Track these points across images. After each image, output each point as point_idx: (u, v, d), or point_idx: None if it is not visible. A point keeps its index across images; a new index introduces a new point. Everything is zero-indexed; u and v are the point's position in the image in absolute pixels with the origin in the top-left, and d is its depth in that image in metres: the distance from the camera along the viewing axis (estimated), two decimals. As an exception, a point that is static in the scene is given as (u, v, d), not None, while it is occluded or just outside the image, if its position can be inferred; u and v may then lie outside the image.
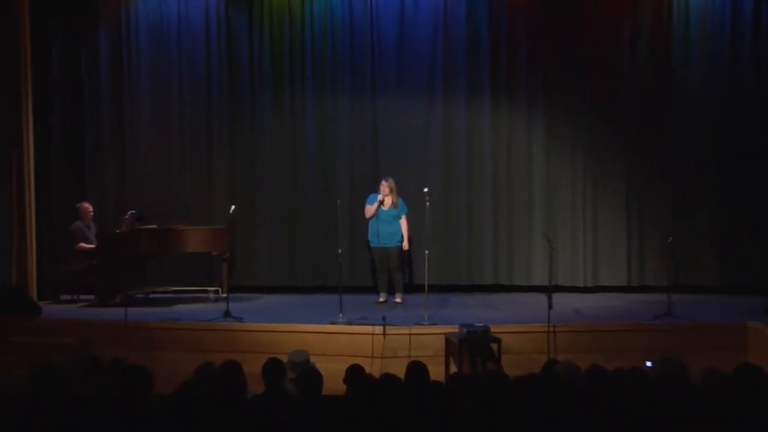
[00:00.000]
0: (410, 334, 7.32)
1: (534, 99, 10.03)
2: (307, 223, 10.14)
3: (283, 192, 10.18)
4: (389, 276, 9.13)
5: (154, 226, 9.19)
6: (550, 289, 7.42)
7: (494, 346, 6.97)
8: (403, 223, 9.01)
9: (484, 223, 10.09)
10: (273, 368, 4.51)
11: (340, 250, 8.36)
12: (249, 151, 10.21)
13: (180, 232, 9.14)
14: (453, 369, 7.02)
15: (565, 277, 9.94)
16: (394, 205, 8.98)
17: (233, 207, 8.57)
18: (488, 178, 10.09)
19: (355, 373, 4.72)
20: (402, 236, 8.98)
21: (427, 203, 8.08)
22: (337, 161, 10.16)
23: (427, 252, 8.10)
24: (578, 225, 10.02)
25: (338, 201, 8.53)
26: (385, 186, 8.97)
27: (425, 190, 8.16)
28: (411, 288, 9.63)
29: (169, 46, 10.13)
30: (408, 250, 9.04)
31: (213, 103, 10.20)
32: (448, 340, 7.20)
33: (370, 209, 9.00)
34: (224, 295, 8.91)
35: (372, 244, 9.11)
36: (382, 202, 8.94)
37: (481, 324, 7.06)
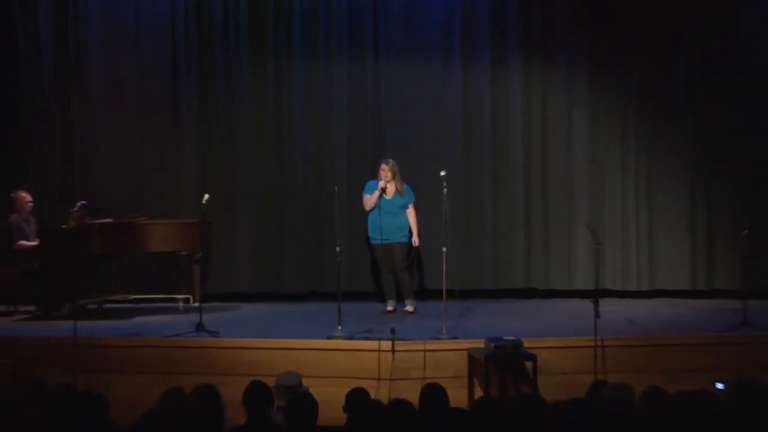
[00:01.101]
0: (425, 351, 7.30)
1: (575, 66, 10.09)
2: (296, 216, 10.16)
3: (266, 178, 10.21)
4: (396, 279, 9.17)
5: (110, 220, 9.20)
6: (596, 295, 7.42)
7: (528, 364, 6.99)
8: (411, 213, 9.05)
9: (513, 214, 10.11)
10: (257, 394, 4.51)
11: (338, 248, 8.27)
12: (224, 128, 10.22)
13: (141, 228, 9.16)
14: (478, 393, 7.01)
15: (615, 280, 10.00)
16: (398, 192, 9.01)
17: (206, 196, 8.55)
18: (518, 160, 10.12)
19: (357, 398, 4.71)
20: (410, 230, 9.03)
21: (444, 190, 8.03)
22: (332, 140, 10.16)
23: (444, 250, 8.01)
24: (630, 216, 10.07)
25: (335, 188, 8.49)
26: (385, 169, 8.94)
27: (442, 173, 8.09)
28: (425, 294, 9.67)
29: (125, -1, 10.40)
30: (418, 247, 9.06)
31: (179, 70, 10.20)
32: (471, 357, 7.20)
33: (369, 199, 9.00)
34: (196, 304, 8.95)
35: (373, 241, 9.14)
36: (383, 190, 8.96)
37: (512, 337, 7.08)
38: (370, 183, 9.10)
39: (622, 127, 10.06)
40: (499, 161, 10.14)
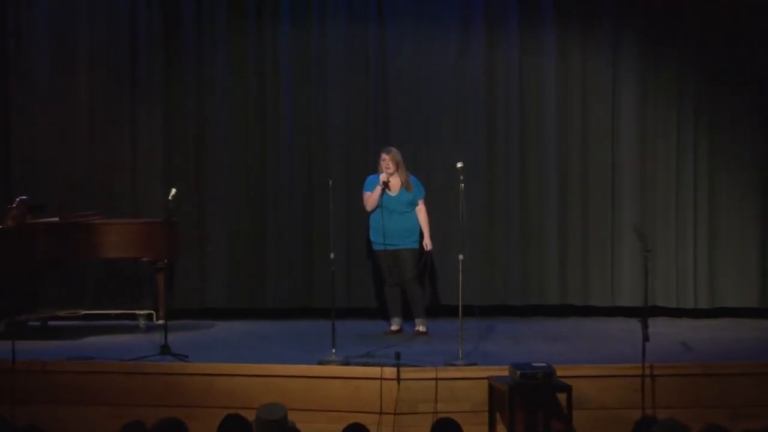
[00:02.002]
0: (437, 379, 7.27)
1: (623, 37, 10.10)
2: (281, 216, 10.17)
3: (245, 171, 10.22)
4: (403, 293, 9.13)
5: (56, 219, 9.20)
6: (645, 313, 7.38)
7: (562, 396, 6.98)
8: (421, 211, 9.05)
9: (545, 215, 10.12)
10: (233, 430, 4.52)
11: (332, 255, 8.18)
12: (194, 110, 10.23)
13: (94, 229, 9.16)
14: (501, 430, 7.03)
15: (668, 296, 10.01)
16: (405, 186, 9.01)
17: (173, 191, 8.57)
18: (552, 150, 10.12)
19: (355, 436, 4.73)
20: (421, 232, 9.02)
21: (461, 185, 8.00)
22: (326, 124, 10.17)
23: (461, 257, 7.97)
24: (687, 220, 10.07)
25: (329, 182, 8.45)
26: (386, 160, 8.94)
27: (458, 165, 8.06)
28: (438, 311, 9.61)
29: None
30: (430, 252, 9.02)
31: (140, 40, 10.21)
32: (493, 387, 7.19)
33: (370, 198, 9.01)
34: (160, 321, 8.98)
35: (376, 247, 9.12)
36: (386, 186, 8.97)
37: (543, 364, 7.08)
38: (371, 178, 9.10)
39: (679, 111, 10.04)
40: (528, 151, 10.12)
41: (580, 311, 10.07)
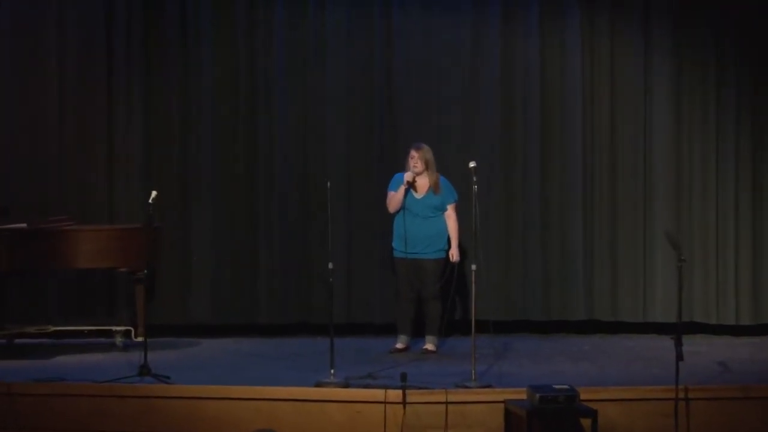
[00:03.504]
0: (447, 403, 7.26)
1: (655, 24, 10.10)
2: (275, 223, 10.17)
3: (235, 172, 10.20)
4: (418, 307, 9.13)
5: (23, 225, 9.13)
6: (679, 330, 7.28)
7: (586, 422, 6.95)
8: (450, 217, 9.07)
9: (570, 223, 10.16)
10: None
11: (330, 265, 8.14)
12: (177, 104, 10.22)
13: (66, 236, 9.10)
14: (519, 460, 7.08)
15: (706, 311, 10.02)
16: (432, 189, 8.98)
17: (154, 193, 8.48)
18: (577, 150, 10.16)
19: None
20: (448, 242, 9.03)
21: (475, 187, 7.97)
22: (324, 120, 10.18)
23: (474, 267, 7.97)
24: (727, 227, 10.10)
25: (327, 184, 8.42)
26: (415, 157, 8.95)
27: (471, 165, 8.02)
28: (449, 326, 9.44)
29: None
30: (455, 265, 8.94)
31: (117, 32, 10.16)
32: (509, 412, 7.17)
33: (394, 198, 9.02)
34: (139, 339, 8.97)
35: (396, 254, 9.15)
36: (411, 185, 8.96)
37: (565, 386, 7.04)
38: (397, 176, 9.10)
39: (718, 106, 10.08)
40: (550, 150, 10.16)
41: (607, 328, 10.07)
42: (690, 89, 10.15)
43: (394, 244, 9.12)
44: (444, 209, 9.00)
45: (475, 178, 7.97)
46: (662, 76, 10.11)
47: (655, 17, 10.15)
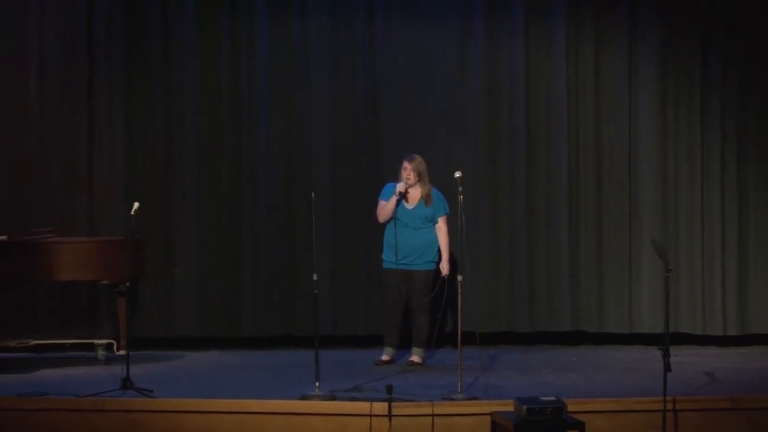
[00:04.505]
0: (433, 415, 7.27)
1: (639, 29, 10.16)
2: (259, 233, 10.21)
3: (218, 182, 10.25)
4: (405, 318, 9.16)
5: (4, 237, 9.08)
6: (666, 340, 7.24)
7: (574, 433, 7.17)
8: (441, 230, 9.12)
9: (556, 231, 10.21)
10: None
11: (315, 276, 8.14)
12: (159, 113, 10.24)
13: (48, 248, 9.09)
14: (506, 473, 7.18)
15: (693, 321, 10.07)
16: (424, 200, 9.05)
17: (136, 205, 8.45)
18: (562, 155, 10.22)
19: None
20: (438, 254, 9.08)
21: (461, 197, 7.99)
22: (309, 131, 10.22)
23: (459, 278, 8.04)
24: (714, 232, 10.15)
25: (311, 195, 8.38)
26: (408, 169, 9.01)
27: (457, 174, 8.08)
28: (440, 338, 9.31)
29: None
30: (445, 278, 8.94)
31: (97, 36, 10.16)
32: (496, 424, 7.18)
33: (384, 207, 9.08)
34: (122, 352, 8.98)
35: (386, 265, 9.21)
36: (403, 196, 9.02)
37: (552, 398, 7.03)
38: (389, 186, 9.17)
39: (703, 113, 10.13)
40: (535, 158, 10.22)
41: (594, 339, 10.13)
42: (675, 94, 10.18)
43: (384, 256, 9.15)
44: (435, 221, 9.06)
45: (460, 188, 7.99)
46: (646, 81, 10.17)
47: (639, 19, 10.14)
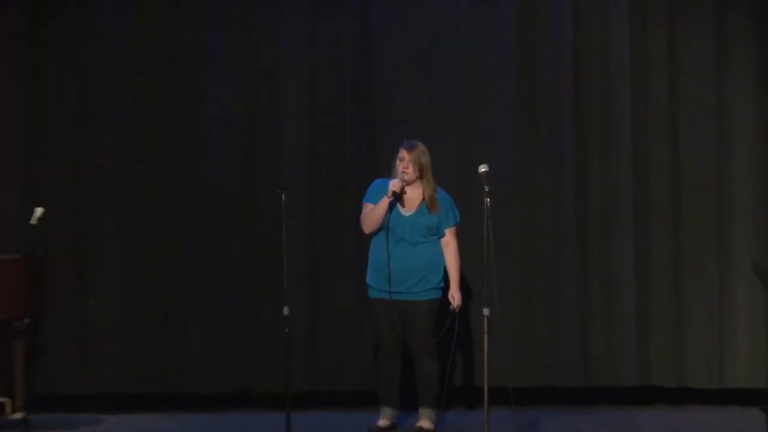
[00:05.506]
0: None
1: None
2: (206, 252, 10.16)
3: (151, 185, 10.21)
4: (407, 368, 8.83)
5: None
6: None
7: None
8: (449, 245, 8.77)
9: (615, 249, 10.13)
10: None
11: (286, 310, 8.27)
12: (71, 88, 10.27)
13: None
14: None
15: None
16: (427, 203, 8.69)
17: (39, 211, 8.45)
18: (624, 150, 10.19)
19: None
20: (444, 277, 8.75)
21: (487, 200, 7.96)
22: (279, 111, 10.24)
23: (486, 312, 7.96)
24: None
25: (282, 196, 8.40)
26: (406, 159, 8.59)
27: (482, 169, 8.10)
28: (452, 395, 9.17)
29: None
30: (457, 311, 8.69)
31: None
32: None
33: (372, 213, 8.66)
34: (18, 415, 9.05)
35: (373, 294, 8.77)
36: (397, 196, 8.58)
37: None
38: (377, 183, 8.75)
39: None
40: (587, 152, 10.18)
41: (671, 397, 10.05)
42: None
43: (370, 281, 8.71)
44: (440, 234, 8.68)
45: (487, 188, 8.00)
46: (740, 53, 10.21)
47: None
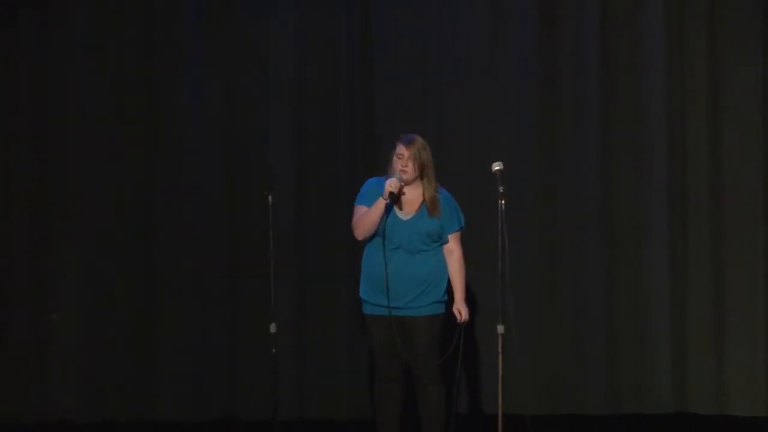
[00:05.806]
0: None
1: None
2: (182, 259, 10.09)
3: (118, 180, 10.14)
4: (408, 393, 8.59)
5: None
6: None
7: None
8: (453, 253, 8.49)
9: (647, 257, 10.01)
10: None
11: (273, 327, 8.25)
12: (30, 85, 10.27)
13: None
14: None
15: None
16: (427, 206, 8.43)
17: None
18: (658, 147, 10.09)
19: None
20: (448, 290, 8.50)
21: (501, 201, 7.91)
22: (264, 104, 10.23)
23: (500, 329, 7.98)
24: None
25: (268, 198, 8.32)
26: (405, 155, 8.31)
27: (496, 167, 8.02)
28: (463, 422, 9.29)
29: None
30: (463, 326, 8.47)
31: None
32: None
33: (366, 216, 8.36)
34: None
35: (368, 309, 8.50)
36: (395, 197, 8.35)
37: None
38: (371, 183, 8.50)
39: None
40: (617, 146, 10.05)
41: (709, 425, 9.90)
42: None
43: (363, 294, 8.51)
44: (443, 240, 8.50)
45: (501, 188, 7.98)
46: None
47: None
